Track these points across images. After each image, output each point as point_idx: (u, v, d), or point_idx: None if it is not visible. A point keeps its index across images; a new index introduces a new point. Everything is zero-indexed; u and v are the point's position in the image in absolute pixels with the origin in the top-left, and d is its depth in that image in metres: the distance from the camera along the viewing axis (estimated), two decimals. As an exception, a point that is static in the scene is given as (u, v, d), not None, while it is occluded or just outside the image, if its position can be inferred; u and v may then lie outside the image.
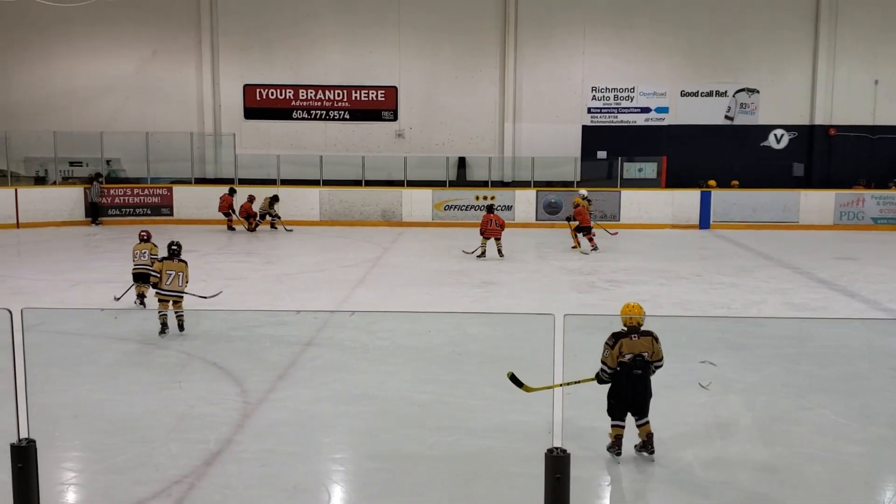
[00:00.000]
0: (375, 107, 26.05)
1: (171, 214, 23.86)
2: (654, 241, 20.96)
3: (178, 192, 23.97)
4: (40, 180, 24.81)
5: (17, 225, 22.08)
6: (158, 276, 10.13)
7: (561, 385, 6.04)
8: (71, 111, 25.64)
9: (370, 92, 25.99)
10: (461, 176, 25.44)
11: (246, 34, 25.75)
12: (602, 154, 25.49)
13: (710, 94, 25.58)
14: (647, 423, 6.26)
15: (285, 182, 24.13)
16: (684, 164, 25.05)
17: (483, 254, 17.12)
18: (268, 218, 22.13)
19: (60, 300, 12.57)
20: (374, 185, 24.39)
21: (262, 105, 26.08)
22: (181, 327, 10.07)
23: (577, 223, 18.55)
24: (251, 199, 22.14)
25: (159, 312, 10.04)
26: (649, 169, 25.09)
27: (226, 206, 22.19)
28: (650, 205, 23.82)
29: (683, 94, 25.62)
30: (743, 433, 7.17)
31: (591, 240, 18.33)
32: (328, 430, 7.31)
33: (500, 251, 17.19)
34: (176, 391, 8.21)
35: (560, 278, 15.30)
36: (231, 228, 22.21)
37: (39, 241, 19.69)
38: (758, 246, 19.48)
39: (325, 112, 26.08)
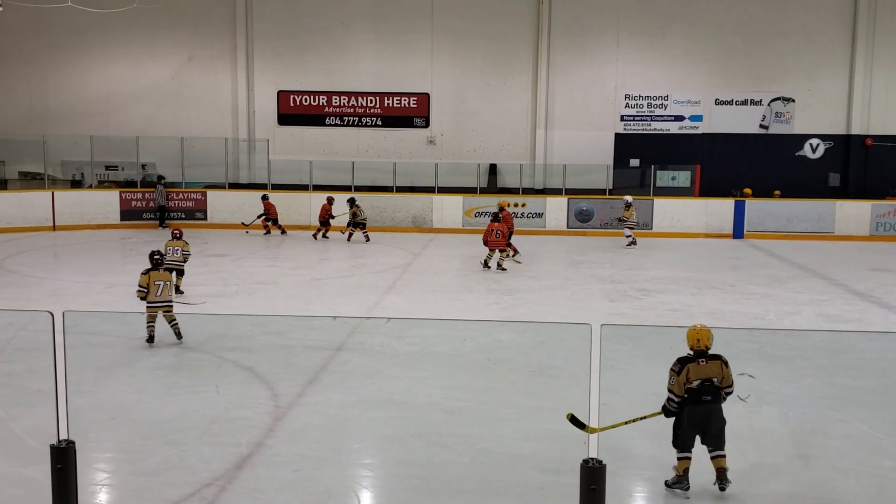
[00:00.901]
0: (407, 113, 26.14)
1: (206, 219, 24.09)
2: (687, 249, 20.82)
3: (213, 196, 24.19)
4: (76, 184, 25.20)
5: (54, 227, 22.43)
6: (146, 290, 9.81)
7: (627, 423, 5.88)
8: (107, 116, 26.01)
9: (402, 99, 26.09)
10: (492, 183, 25.44)
11: (280, 40, 25.97)
12: (635, 162, 25.35)
13: (744, 102, 25.36)
14: (723, 455, 5.86)
15: (318, 188, 24.27)
16: (718, 173, 24.85)
17: (486, 265, 16.25)
18: (356, 227, 21.03)
19: (95, 302, 12.74)
20: (406, 192, 24.47)
21: (295, 111, 26.27)
22: (179, 335, 9.85)
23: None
24: (331, 200, 21.61)
25: (147, 324, 9.82)
26: (682, 177, 24.91)
27: (324, 214, 21.47)
28: (683, 213, 23.65)
29: (718, 102, 25.43)
30: (777, 445, 7.09)
31: (508, 246, 18.08)
32: (358, 436, 7.33)
33: (500, 265, 16.13)
34: (208, 394, 8.28)
35: (591, 286, 15.24)
36: (323, 236, 21.52)
37: (75, 244, 19.98)
38: (792, 256, 19.27)
39: (357, 118, 26.22)
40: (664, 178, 24.78)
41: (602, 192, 24.38)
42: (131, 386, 8.63)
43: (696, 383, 5.81)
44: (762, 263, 18.46)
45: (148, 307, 9.86)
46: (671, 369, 5.87)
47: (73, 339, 9.62)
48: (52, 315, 4.40)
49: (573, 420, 5.86)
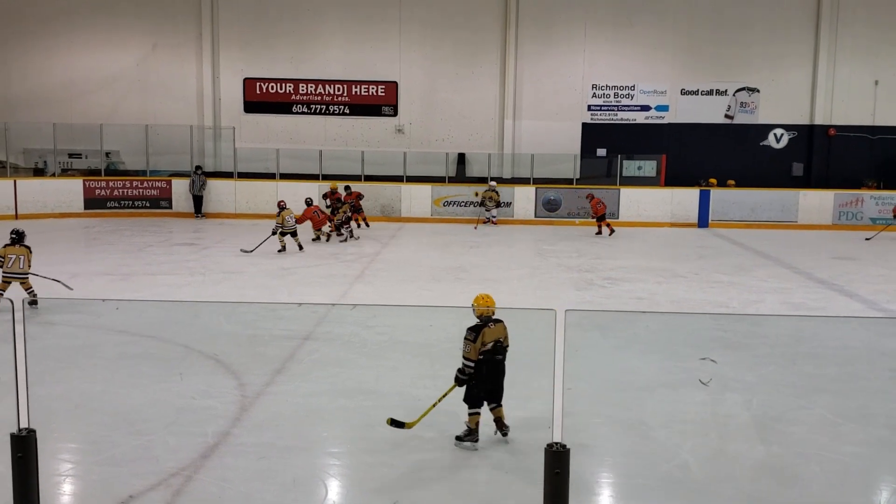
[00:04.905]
0: (375, 102, 26.03)
1: (170, 207, 23.84)
2: (653, 239, 20.98)
3: (177, 185, 23.92)
4: (39, 172, 24.80)
5: (16, 216, 22.04)
6: (1, 260, 11.09)
7: (434, 405, 6.47)
8: (71, 103, 25.59)
9: (370, 87, 25.96)
10: (461, 172, 25.42)
11: (246, 28, 25.71)
12: (602, 152, 25.47)
13: (710, 92, 25.56)
14: (500, 406, 6.54)
15: (284, 176, 24.11)
16: (684, 163, 25.06)
17: (319, 239, 18.79)
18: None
19: (58, 291, 12.52)
20: (374, 181, 24.37)
21: (261, 99, 26.04)
22: (33, 302, 10.74)
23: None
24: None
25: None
26: (649, 167, 25.09)
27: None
28: (649, 203, 23.83)
29: (684, 92, 25.61)
30: (741, 432, 7.18)
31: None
32: (326, 424, 7.31)
33: (328, 236, 18.93)
34: (174, 384, 8.20)
35: (559, 276, 15.30)
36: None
37: (38, 233, 19.54)
38: (756, 245, 19.49)
39: (324, 106, 26.05)
40: (630, 167, 24.94)
41: (569, 181, 24.47)
42: (95, 376, 8.53)
43: (490, 345, 6.43)
44: (727, 252, 18.66)
45: (3, 277, 11.15)
46: (465, 339, 6.44)
47: (37, 329, 9.51)
48: (13, 303, 4.33)
49: (393, 423, 6.54)
